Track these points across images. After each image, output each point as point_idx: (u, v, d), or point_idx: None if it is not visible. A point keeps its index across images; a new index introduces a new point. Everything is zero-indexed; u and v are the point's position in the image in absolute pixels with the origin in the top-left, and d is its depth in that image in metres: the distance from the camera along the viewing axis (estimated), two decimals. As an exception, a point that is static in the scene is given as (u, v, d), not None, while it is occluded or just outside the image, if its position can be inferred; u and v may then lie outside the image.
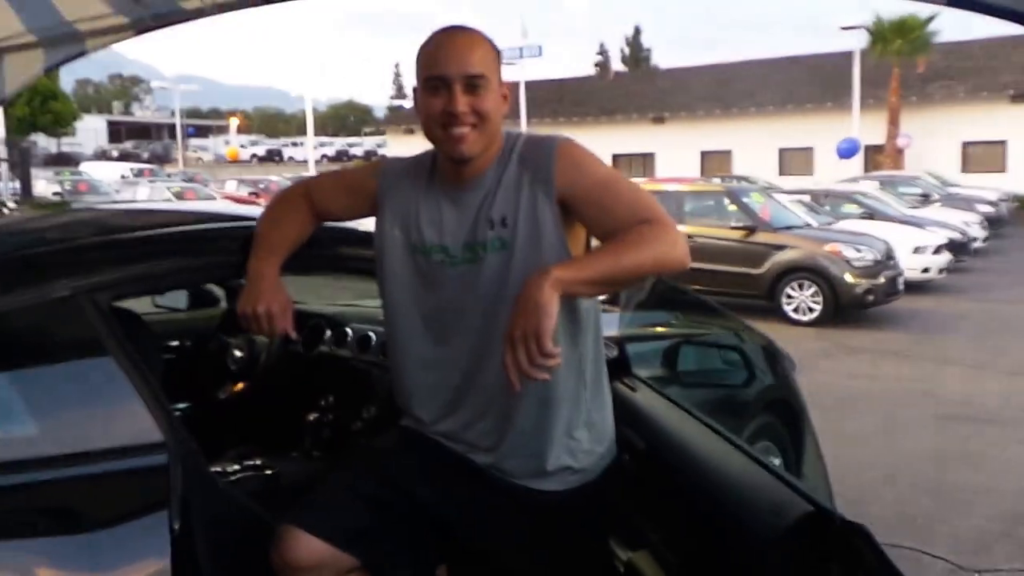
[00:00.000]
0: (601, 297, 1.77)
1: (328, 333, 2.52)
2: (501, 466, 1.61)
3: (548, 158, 1.52)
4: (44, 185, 23.37)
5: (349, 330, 2.48)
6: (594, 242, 1.58)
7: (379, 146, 48.41)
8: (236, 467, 2.14)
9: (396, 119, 42.67)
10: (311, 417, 2.40)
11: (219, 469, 2.11)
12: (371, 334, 2.41)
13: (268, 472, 2.15)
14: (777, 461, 2.75)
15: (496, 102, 1.52)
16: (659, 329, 2.84)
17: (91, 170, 32.23)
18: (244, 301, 1.63)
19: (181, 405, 2.60)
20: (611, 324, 2.05)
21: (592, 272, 1.42)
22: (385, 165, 1.72)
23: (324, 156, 49.28)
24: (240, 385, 2.49)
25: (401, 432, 1.70)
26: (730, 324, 3.08)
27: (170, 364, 2.67)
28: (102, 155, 49.88)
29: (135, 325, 2.02)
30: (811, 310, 9.20)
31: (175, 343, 2.75)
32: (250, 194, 25.00)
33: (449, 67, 1.48)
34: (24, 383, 1.44)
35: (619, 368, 2.00)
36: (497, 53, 1.56)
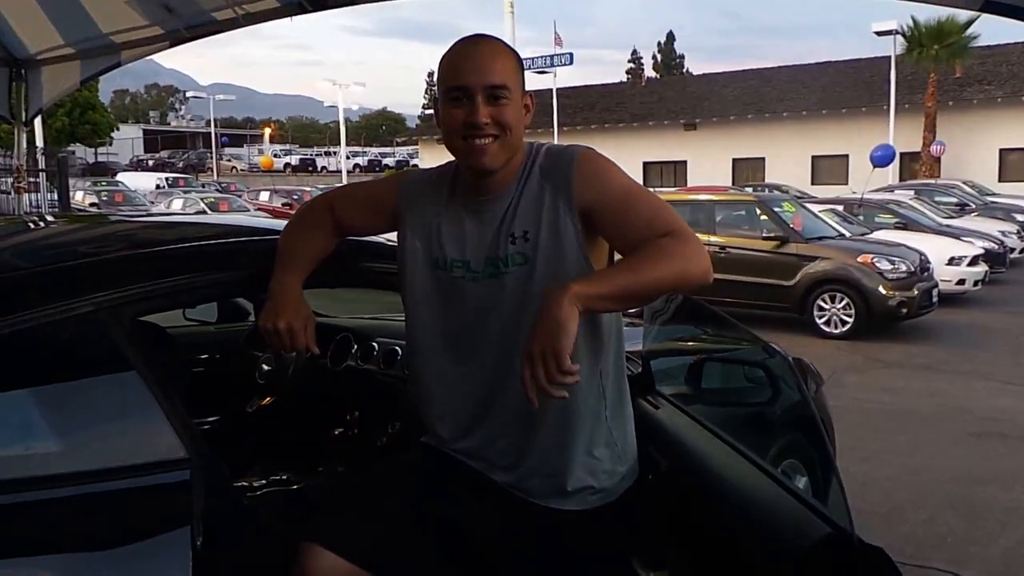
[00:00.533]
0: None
1: (355, 347, 2.54)
2: (521, 485, 1.60)
3: (568, 170, 1.50)
4: (81, 196, 23.72)
5: (375, 344, 2.50)
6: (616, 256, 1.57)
7: (411, 155, 48.82)
8: (262, 482, 2.17)
9: (428, 129, 42.90)
10: (337, 432, 2.42)
11: (244, 484, 2.14)
12: (397, 348, 2.42)
13: (294, 487, 2.17)
14: (803, 479, 2.72)
15: (518, 113, 1.51)
16: (683, 344, 2.82)
17: (127, 180, 32.69)
18: (265, 316, 1.62)
19: (210, 418, 2.64)
20: (634, 339, 2.04)
21: (612, 287, 1.39)
22: (403, 179, 1.72)
23: (357, 166, 49.78)
24: (268, 399, 2.52)
25: (422, 449, 1.70)
26: (752, 340, 3.06)
27: (199, 377, 2.72)
28: (138, 165, 50.60)
29: (160, 339, 2.06)
30: (843, 323, 9.05)
31: (204, 356, 2.79)
32: (283, 205, 24.92)
33: (471, 77, 1.47)
34: (46, 399, 1.44)
35: (642, 385, 1.98)
36: (519, 63, 1.55)
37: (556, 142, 1.75)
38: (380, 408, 2.38)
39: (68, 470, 1.37)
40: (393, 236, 1.72)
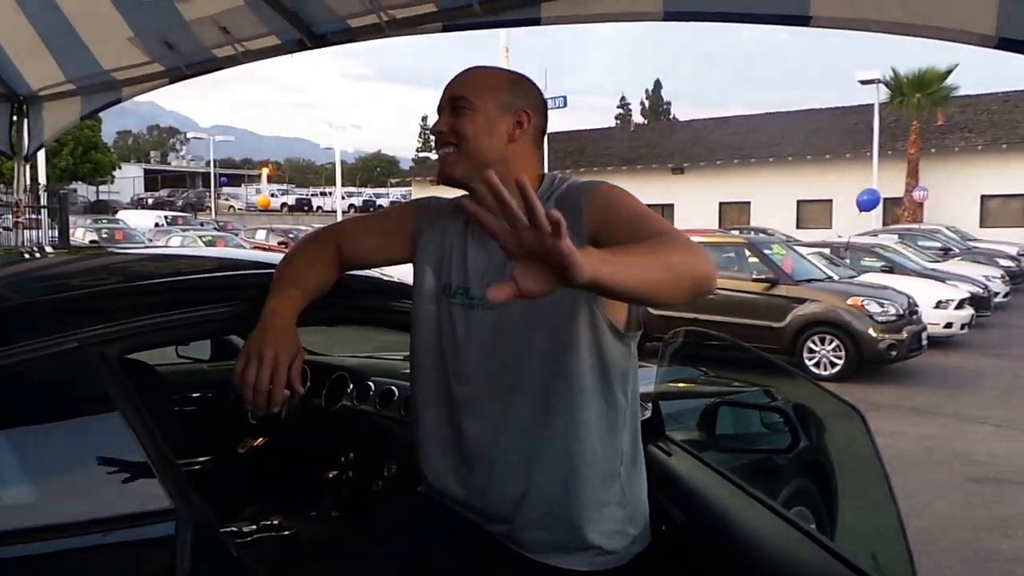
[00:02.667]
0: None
1: (351, 387, 2.47)
2: (519, 538, 1.49)
3: (579, 199, 1.46)
4: (82, 233, 23.97)
5: (371, 384, 2.43)
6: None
7: (404, 196, 49.44)
8: (253, 527, 2.08)
9: (421, 170, 43.53)
10: (331, 474, 2.34)
11: (234, 529, 2.05)
12: (394, 388, 2.35)
13: (285, 533, 2.08)
14: (811, 527, 2.66)
15: (483, 126, 1.49)
16: (689, 387, 2.77)
17: (127, 218, 33.12)
18: (252, 340, 1.48)
19: (201, 459, 2.56)
20: (643, 380, 1.97)
21: (630, 256, 1.20)
22: (423, 204, 1.66)
23: (352, 206, 50.29)
24: (260, 440, 2.44)
25: (418, 500, 1.61)
26: (766, 379, 3.00)
27: (190, 416, 2.64)
28: (138, 203, 51.39)
29: (148, 378, 1.95)
30: (833, 365, 9.06)
31: (196, 395, 2.71)
32: (280, 243, 25.37)
33: (443, 91, 1.54)
34: (23, 444, 1.32)
35: (652, 430, 1.86)
36: (504, 82, 1.54)
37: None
38: (376, 450, 2.30)
39: (41, 523, 1.25)
40: (395, 272, 1.68)
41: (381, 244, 1.64)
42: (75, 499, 1.31)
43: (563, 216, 1.39)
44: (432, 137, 1.58)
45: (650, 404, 1.88)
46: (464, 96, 1.50)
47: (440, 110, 1.53)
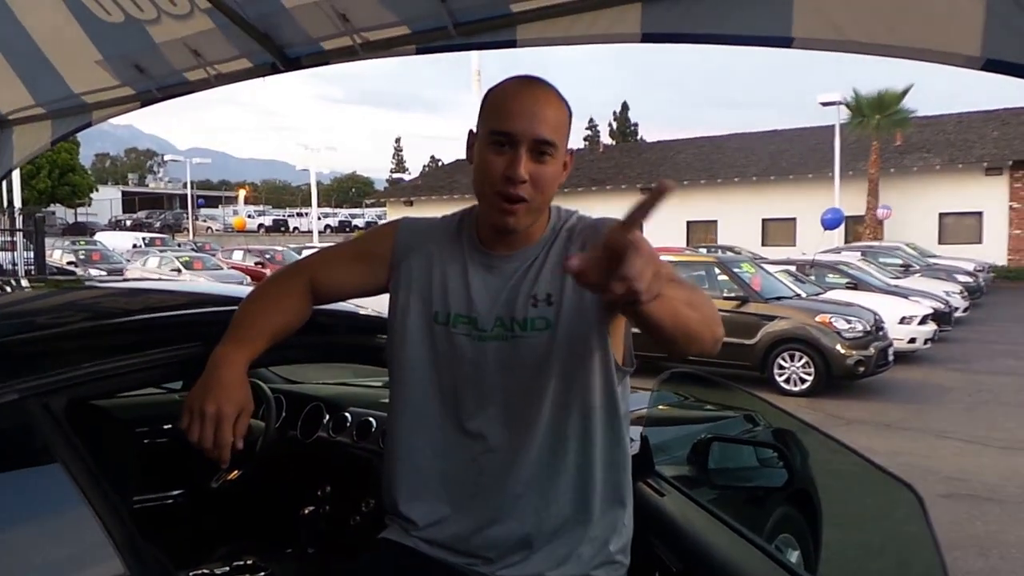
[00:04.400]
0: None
1: (327, 418, 2.40)
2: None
3: (597, 237, 1.36)
4: (59, 254, 23.87)
5: (348, 415, 2.37)
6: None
7: (379, 217, 50.21)
8: (225, 568, 1.99)
9: (396, 191, 43.66)
10: (307, 510, 2.27)
11: (206, 571, 1.97)
12: (371, 419, 2.29)
13: (260, 575, 2.00)
14: (796, 553, 2.64)
15: (557, 173, 1.38)
16: (672, 410, 2.73)
17: (105, 239, 32.96)
18: (194, 393, 1.36)
19: (172, 492, 2.47)
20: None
21: (679, 289, 1.18)
22: (403, 225, 1.53)
23: (328, 226, 50.94)
24: (234, 473, 2.36)
25: (385, 549, 1.47)
26: (746, 404, 2.99)
27: (160, 449, 2.55)
28: (116, 225, 51.57)
29: (102, 424, 1.81)
30: (803, 381, 9.16)
31: (167, 427, 2.62)
32: (256, 264, 25.60)
33: (520, 124, 1.32)
34: None
35: (642, 465, 1.76)
36: (570, 115, 1.41)
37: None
38: (353, 483, 2.23)
39: None
40: (371, 304, 1.60)
41: (357, 272, 1.53)
42: (16, 573, 1.16)
43: (581, 244, 1.39)
44: (496, 172, 1.34)
45: (638, 438, 1.80)
46: (553, 141, 1.35)
47: (513, 144, 1.33)
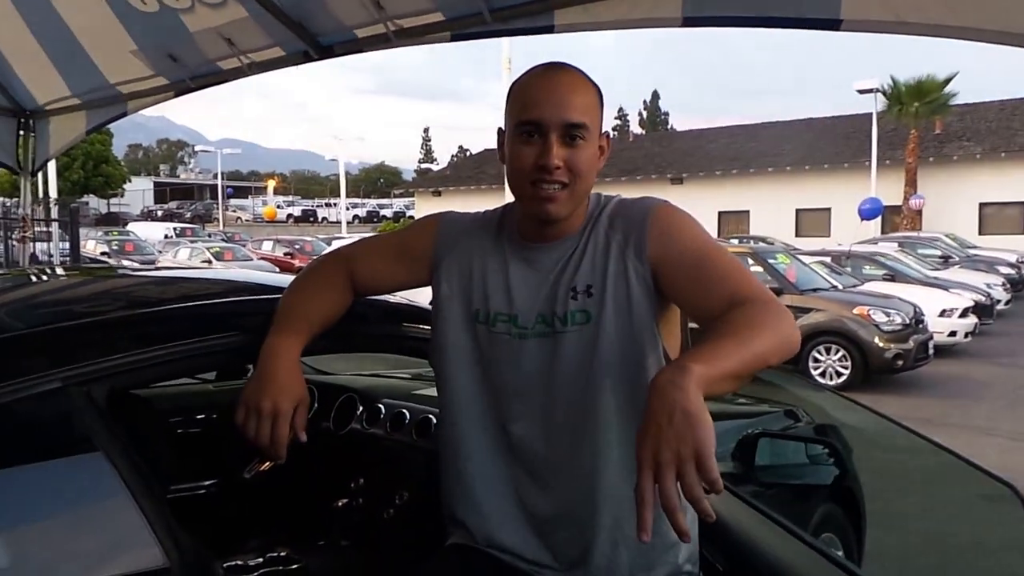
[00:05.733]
0: None
1: (360, 409, 2.38)
2: None
3: (643, 221, 1.31)
4: (93, 245, 24.20)
5: (382, 406, 2.34)
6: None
7: (408, 207, 50.31)
8: (259, 559, 1.98)
9: (424, 182, 43.85)
10: (340, 502, 2.25)
11: (240, 563, 1.95)
12: (405, 412, 2.26)
13: (294, 566, 1.98)
14: (839, 554, 2.58)
15: (593, 158, 1.32)
16: (716, 406, 2.67)
17: (138, 230, 33.54)
18: (249, 389, 1.35)
19: (205, 482, 2.47)
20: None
21: (732, 363, 1.11)
22: (444, 221, 1.49)
23: (356, 217, 51.44)
24: (267, 464, 2.35)
25: (453, 555, 1.43)
26: (810, 397, 2.90)
27: (194, 439, 2.55)
28: (148, 215, 52.71)
29: (140, 413, 1.80)
30: (839, 375, 9.00)
31: (200, 416, 2.62)
32: (286, 254, 25.83)
33: (547, 111, 1.27)
34: None
35: None
36: (600, 98, 1.35)
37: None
38: (387, 476, 2.20)
39: None
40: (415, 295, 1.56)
41: (397, 268, 1.49)
42: (59, 561, 1.17)
43: (622, 236, 1.33)
44: (529, 163, 1.30)
45: None
46: (584, 124, 1.29)
47: (542, 132, 1.28)
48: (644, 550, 1.34)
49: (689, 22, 2.13)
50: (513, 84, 1.36)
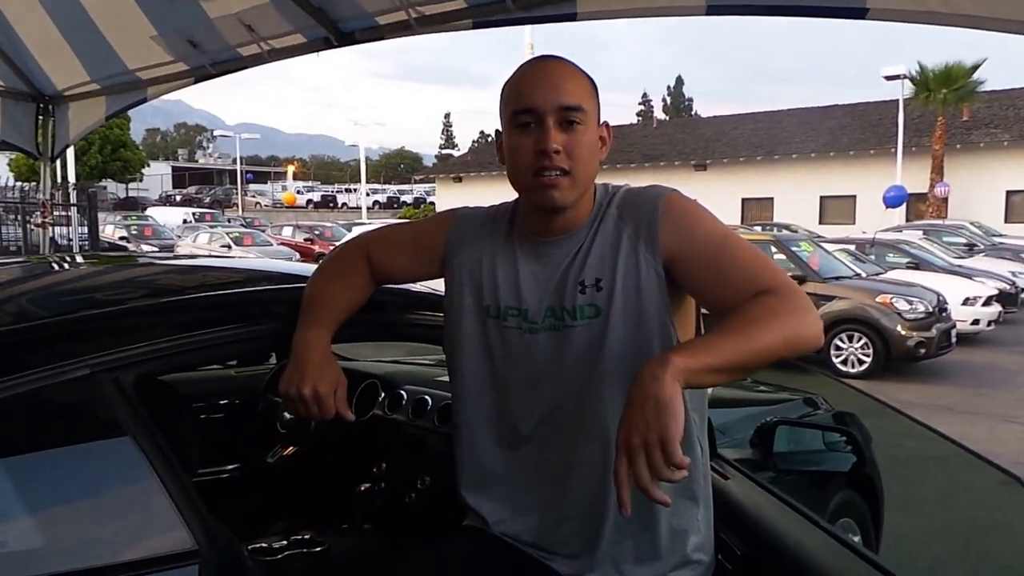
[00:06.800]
0: None
1: (382, 395, 2.41)
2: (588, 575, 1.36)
3: (653, 212, 1.30)
4: (111, 229, 24.11)
5: (404, 393, 2.37)
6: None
7: (428, 193, 50.00)
8: (283, 542, 2.01)
9: (445, 168, 43.65)
10: (363, 487, 2.28)
11: (265, 545, 1.99)
12: (427, 397, 2.29)
13: (317, 549, 2.02)
14: (856, 539, 2.58)
15: (593, 144, 1.31)
16: (736, 392, 2.67)
17: (156, 215, 33.31)
18: (288, 379, 1.40)
19: (228, 467, 2.50)
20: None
21: (720, 357, 1.13)
22: (457, 216, 1.50)
23: (376, 202, 51.09)
24: (290, 449, 2.38)
25: (466, 535, 1.46)
26: (818, 385, 2.90)
27: (217, 424, 2.58)
28: (166, 200, 52.24)
29: (166, 399, 1.83)
30: (861, 362, 8.97)
31: (223, 402, 2.65)
32: (306, 240, 25.71)
33: (540, 97, 1.27)
34: (32, 484, 1.20)
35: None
36: (594, 87, 1.34)
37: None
38: (408, 461, 2.23)
39: (50, 571, 1.13)
40: (434, 284, 1.58)
41: (411, 260, 1.52)
42: (89, 544, 1.21)
43: (632, 228, 1.32)
44: (528, 153, 1.29)
45: None
46: (580, 106, 1.28)
47: (539, 118, 1.27)
48: (650, 539, 1.35)
49: (713, 11, 2.12)
50: (505, 83, 1.36)
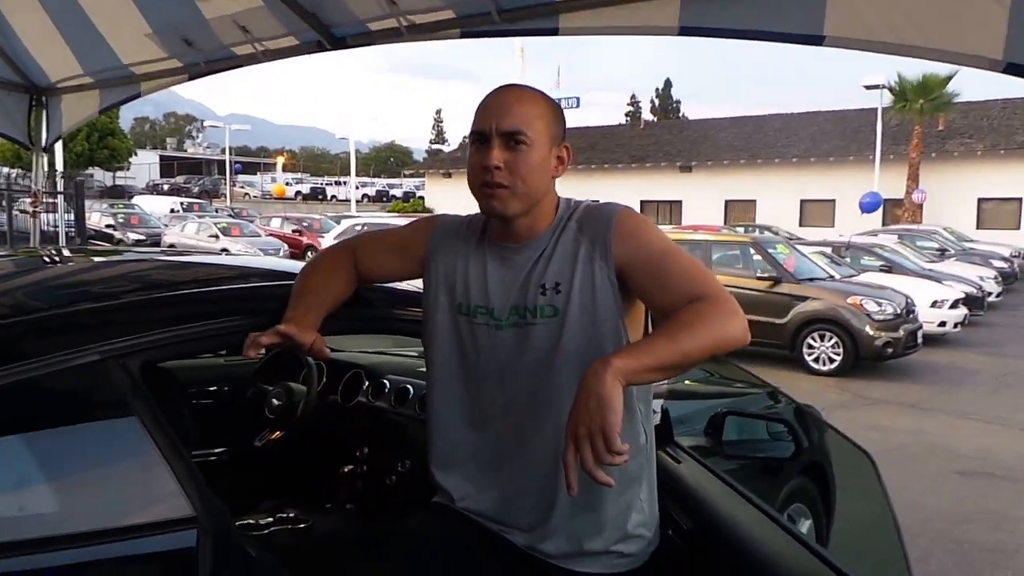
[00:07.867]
0: None
1: (366, 384, 2.54)
2: (540, 547, 1.53)
3: (607, 225, 1.46)
4: (98, 217, 23.75)
5: (387, 382, 2.50)
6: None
7: (417, 187, 49.73)
8: (269, 519, 2.14)
9: (435, 162, 43.57)
10: (346, 469, 2.41)
11: (252, 521, 2.11)
12: (408, 387, 2.42)
13: (301, 525, 2.15)
14: (808, 523, 2.75)
15: (539, 162, 1.46)
16: (693, 388, 2.82)
17: (143, 203, 32.75)
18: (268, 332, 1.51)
19: (217, 450, 2.62)
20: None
21: (653, 358, 1.30)
22: (437, 223, 1.66)
23: (365, 196, 50.51)
24: (277, 433, 2.50)
25: (434, 512, 1.62)
26: (763, 386, 3.09)
27: (206, 409, 2.70)
28: (154, 189, 51.02)
29: (165, 383, 1.97)
30: (831, 360, 9.22)
31: (213, 388, 2.77)
32: (294, 231, 25.39)
33: (488, 121, 1.45)
34: (46, 457, 1.32)
35: (662, 435, 1.88)
36: (552, 112, 1.49)
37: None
38: (390, 446, 2.37)
39: (63, 532, 1.26)
40: (416, 283, 1.71)
41: (394, 261, 1.67)
42: (98, 509, 1.34)
43: (588, 238, 1.49)
44: (477, 168, 1.46)
45: (659, 410, 1.91)
46: (522, 131, 1.44)
47: (485, 139, 1.45)
48: (596, 516, 1.52)
49: (685, 32, 2.27)
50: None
